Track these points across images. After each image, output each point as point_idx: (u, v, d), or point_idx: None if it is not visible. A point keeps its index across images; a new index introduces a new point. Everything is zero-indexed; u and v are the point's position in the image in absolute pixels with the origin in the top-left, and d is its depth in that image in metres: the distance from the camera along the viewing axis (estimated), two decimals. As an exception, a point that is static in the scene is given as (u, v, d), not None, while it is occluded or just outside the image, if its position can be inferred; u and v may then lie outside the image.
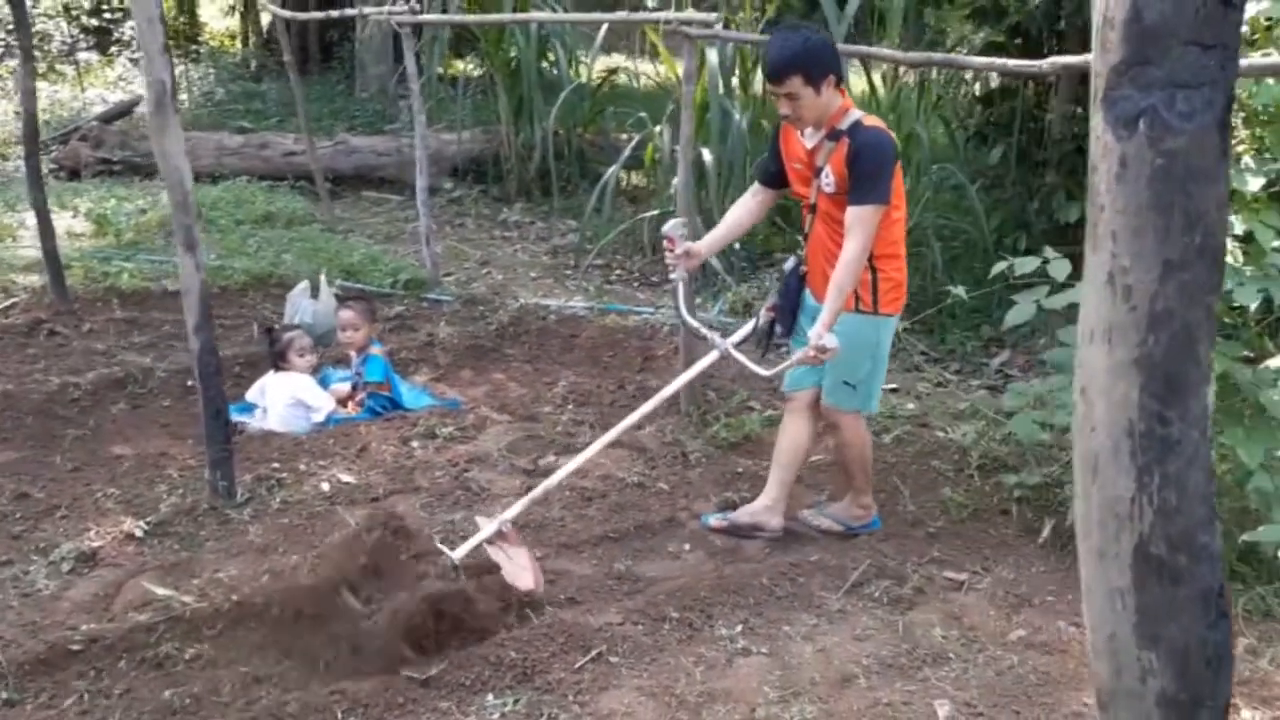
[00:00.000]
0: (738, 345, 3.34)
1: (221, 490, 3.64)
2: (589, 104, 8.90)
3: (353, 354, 4.76)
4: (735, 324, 5.43)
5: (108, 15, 13.86)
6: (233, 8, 16.98)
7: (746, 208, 3.55)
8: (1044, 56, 3.18)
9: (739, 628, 3.02)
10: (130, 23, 12.93)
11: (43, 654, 2.73)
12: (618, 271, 7.07)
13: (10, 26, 10.13)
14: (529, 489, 3.78)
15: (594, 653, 2.84)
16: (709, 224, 5.19)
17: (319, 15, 9.08)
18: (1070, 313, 3.69)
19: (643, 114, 7.88)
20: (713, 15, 4.28)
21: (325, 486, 3.82)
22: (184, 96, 11.53)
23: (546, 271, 7.06)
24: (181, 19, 15.15)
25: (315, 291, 5.24)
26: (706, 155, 6.67)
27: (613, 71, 10.08)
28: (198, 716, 2.58)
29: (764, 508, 3.61)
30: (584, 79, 8.97)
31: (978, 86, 7.70)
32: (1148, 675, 1.07)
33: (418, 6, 6.08)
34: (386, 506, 3.62)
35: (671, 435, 4.36)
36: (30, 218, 5.91)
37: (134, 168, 8.85)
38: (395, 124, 10.16)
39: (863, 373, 3.40)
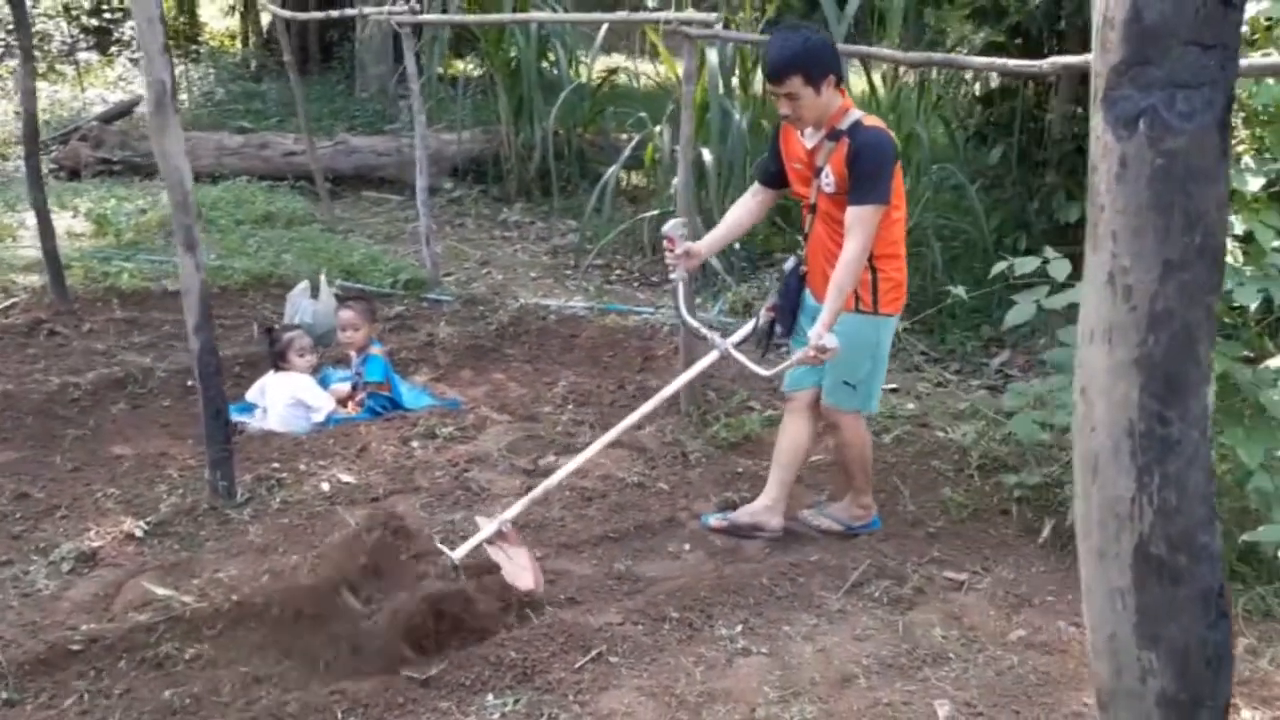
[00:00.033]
0: (738, 345, 3.34)
1: (221, 490, 3.64)
2: (589, 104, 8.90)
3: (353, 354, 4.75)
4: (735, 324, 5.43)
5: (108, 15, 13.86)
6: (232, 8, 16.99)
7: (746, 208, 3.55)
8: (1044, 56, 3.18)
9: (739, 628, 3.02)
10: (130, 23, 12.93)
11: (43, 654, 2.73)
12: (618, 271, 7.07)
13: (10, 26, 10.13)
14: (529, 489, 3.78)
15: (594, 653, 2.84)
16: (708, 224, 5.19)
17: (319, 15, 9.08)
18: (1070, 313, 3.69)
19: (643, 114, 7.88)
20: (713, 15, 4.28)
21: (325, 486, 3.82)
22: (184, 96, 11.53)
23: (546, 271, 7.06)
24: (181, 19, 15.15)
25: (315, 291, 5.24)
26: (706, 155, 6.67)
27: (613, 71, 10.08)
28: (198, 716, 2.58)
29: (764, 507, 3.61)
30: (584, 79, 8.97)
31: (977, 86, 7.70)
32: (1148, 675, 1.07)
33: (418, 6, 6.08)
34: (386, 506, 3.62)
35: (671, 435, 4.36)
36: (30, 217, 5.91)
37: (134, 168, 8.86)
38: (395, 124, 10.16)
39: (863, 373, 3.40)
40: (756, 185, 3.55)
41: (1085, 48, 4.75)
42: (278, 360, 4.56)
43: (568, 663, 2.80)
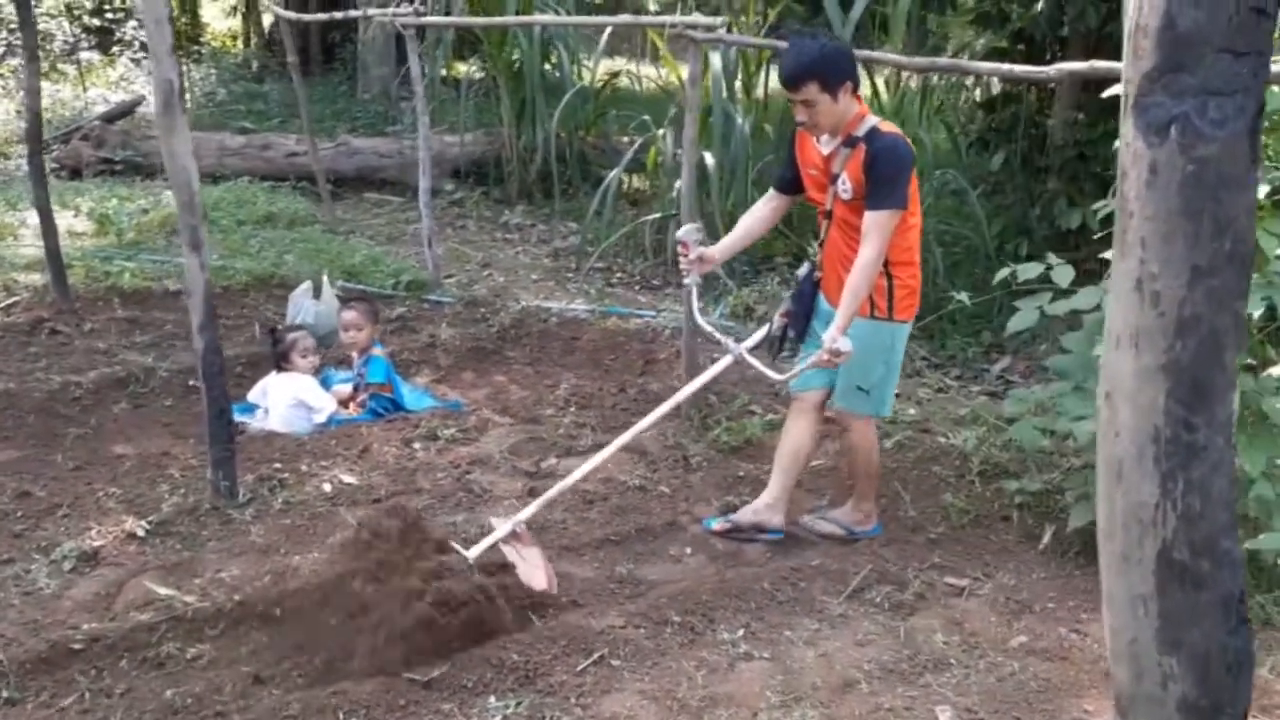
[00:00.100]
0: (751, 350, 3.34)
1: (224, 490, 3.64)
2: (591, 107, 8.91)
3: (355, 355, 4.75)
4: (736, 327, 5.44)
5: (110, 15, 13.85)
6: (235, 9, 16.99)
7: (760, 214, 3.56)
8: (1047, 62, 3.20)
9: (740, 632, 3.02)
10: (132, 23, 12.94)
11: (44, 653, 2.73)
12: (619, 274, 7.06)
13: (13, 26, 10.12)
14: (531, 491, 3.78)
15: (596, 656, 2.84)
16: (710, 227, 5.19)
17: (322, 16, 9.08)
18: (1073, 319, 3.70)
19: (645, 117, 7.89)
20: (717, 20, 4.29)
21: (327, 487, 3.81)
22: (186, 97, 11.49)
23: (548, 274, 7.06)
24: (184, 19, 15.14)
25: (317, 292, 5.24)
26: (709, 159, 6.67)
27: (615, 75, 10.08)
28: (199, 716, 2.57)
29: (765, 505, 3.61)
30: (586, 82, 8.97)
31: (979, 92, 7.72)
32: (1169, 680, 1.07)
33: (422, 8, 6.09)
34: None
35: (673, 439, 4.35)
36: (32, 217, 5.90)
37: (135, 167, 8.85)
38: (397, 126, 10.16)
39: (876, 377, 3.41)
40: (771, 191, 3.56)
41: (1088, 54, 4.77)
42: (280, 361, 4.55)
43: (569, 665, 2.79)
